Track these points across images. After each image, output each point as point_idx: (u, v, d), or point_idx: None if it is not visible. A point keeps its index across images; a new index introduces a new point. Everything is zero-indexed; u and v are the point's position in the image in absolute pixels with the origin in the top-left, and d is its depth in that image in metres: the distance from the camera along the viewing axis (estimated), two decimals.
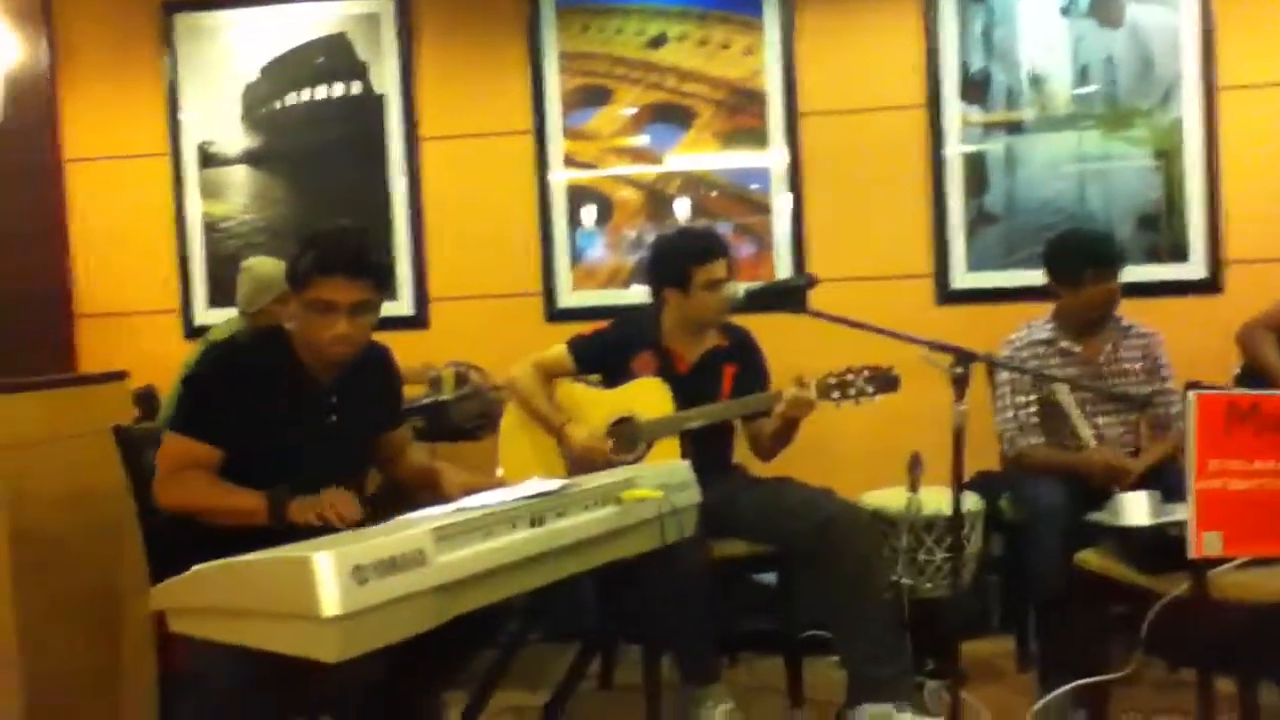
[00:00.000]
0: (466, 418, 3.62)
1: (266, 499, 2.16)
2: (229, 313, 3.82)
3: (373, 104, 4.31)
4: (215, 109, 4.39)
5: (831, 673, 3.16)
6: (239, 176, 4.40)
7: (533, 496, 1.97)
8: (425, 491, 2.54)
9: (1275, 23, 3.86)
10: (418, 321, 4.26)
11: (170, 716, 2.27)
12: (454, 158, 4.29)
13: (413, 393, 3.67)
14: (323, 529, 2.03)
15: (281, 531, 2.02)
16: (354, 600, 1.57)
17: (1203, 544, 2.21)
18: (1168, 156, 3.93)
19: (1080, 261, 3.24)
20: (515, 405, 3.31)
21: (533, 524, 1.93)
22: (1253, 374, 3.27)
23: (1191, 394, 2.22)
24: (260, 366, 2.32)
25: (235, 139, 4.39)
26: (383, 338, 2.56)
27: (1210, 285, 3.88)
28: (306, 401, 2.36)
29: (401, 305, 4.24)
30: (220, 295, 4.30)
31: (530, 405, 3.25)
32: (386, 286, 2.40)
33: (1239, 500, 2.21)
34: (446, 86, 4.29)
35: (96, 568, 2.66)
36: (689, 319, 3.21)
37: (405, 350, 3.71)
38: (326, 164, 4.33)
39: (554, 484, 2.05)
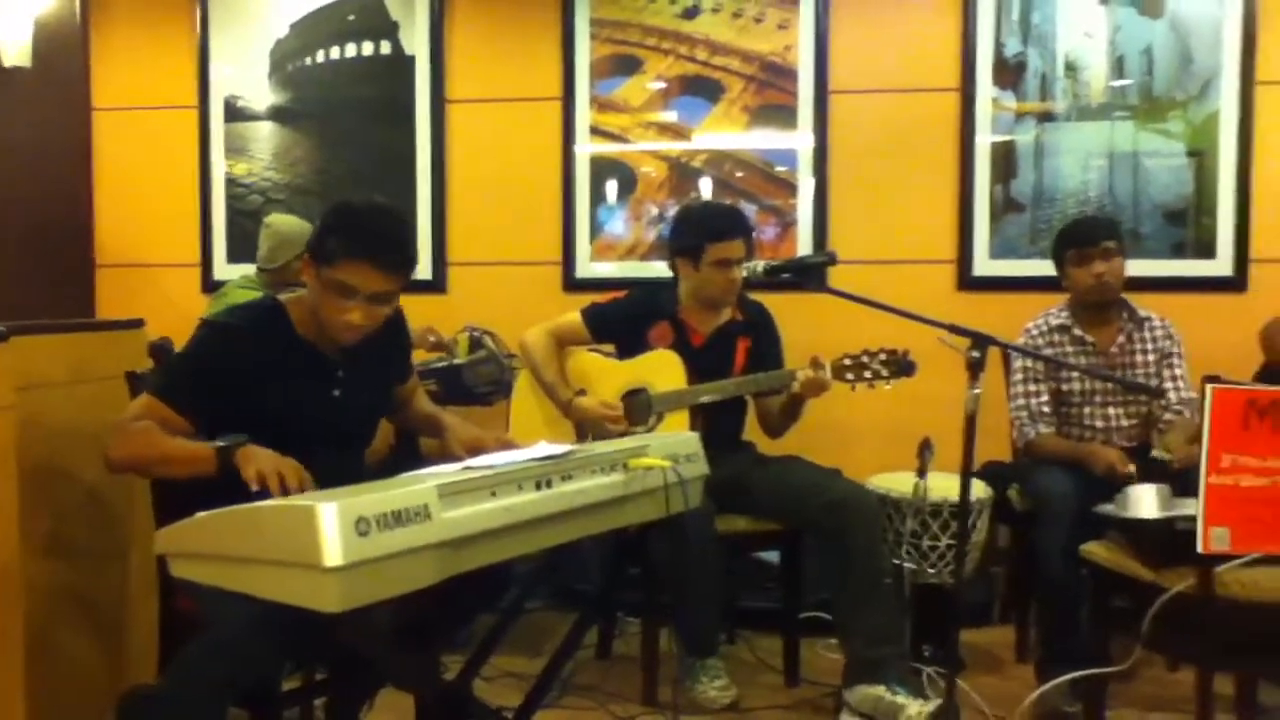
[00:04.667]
0: (480, 382, 3.62)
1: (215, 448, 2.03)
2: (248, 268, 3.83)
3: (402, 64, 4.30)
4: (244, 63, 4.40)
5: (828, 654, 3.17)
6: (264, 132, 4.40)
7: (540, 459, 1.96)
8: (433, 446, 2.54)
9: None
10: (436, 286, 4.26)
11: (170, 659, 2.28)
12: (481, 122, 4.28)
13: (424, 356, 3.69)
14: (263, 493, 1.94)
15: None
16: (355, 551, 1.58)
17: (1211, 540, 2.20)
18: (1201, 151, 3.88)
19: (1062, 244, 3.26)
20: (527, 371, 3.32)
21: (539, 486, 1.92)
22: (1274, 372, 3.24)
23: (1209, 387, 2.20)
24: (257, 350, 2.19)
25: (262, 94, 4.39)
26: (400, 301, 2.54)
27: (1236, 283, 3.84)
28: (310, 378, 2.26)
29: (421, 269, 4.23)
30: (240, 250, 4.32)
31: (539, 373, 3.26)
32: (412, 276, 2.29)
33: (1250, 497, 2.20)
34: (476, 49, 4.27)
35: (105, 508, 2.68)
36: (698, 293, 3.20)
37: (423, 313, 3.76)
38: (352, 123, 4.32)
39: (562, 448, 2.04)
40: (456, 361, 3.65)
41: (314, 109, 4.36)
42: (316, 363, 2.27)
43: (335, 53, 4.36)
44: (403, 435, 3.07)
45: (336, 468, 2.01)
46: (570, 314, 3.31)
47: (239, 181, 4.42)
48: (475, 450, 2.21)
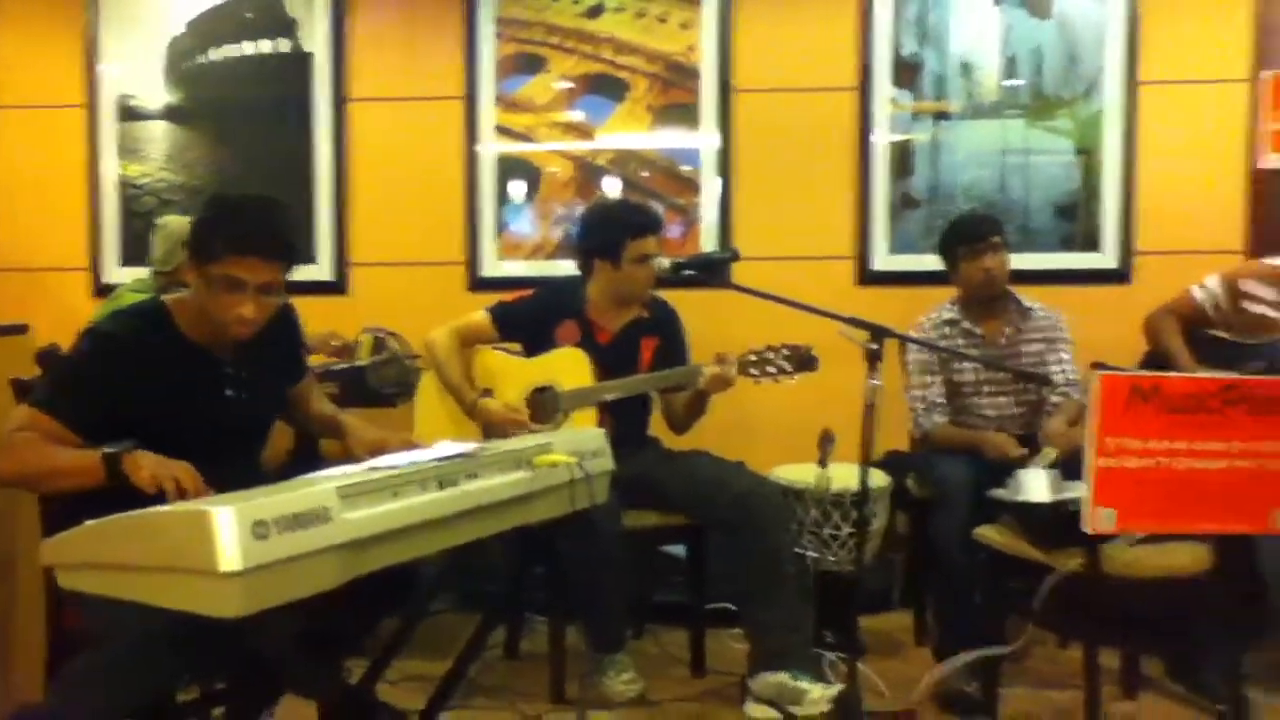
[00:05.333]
0: (383, 383, 3.59)
1: (102, 455, 1.96)
2: (141, 272, 3.73)
3: (301, 63, 4.23)
4: (138, 62, 4.28)
5: (734, 644, 3.21)
6: (158, 132, 4.29)
7: (443, 458, 1.96)
8: (334, 449, 2.51)
9: (1196, 19, 3.96)
10: (337, 287, 4.21)
11: (59, 676, 2.20)
12: (382, 121, 4.23)
13: (326, 359, 3.64)
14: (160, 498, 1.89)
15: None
16: (254, 556, 1.55)
17: (1097, 520, 2.28)
18: (1088, 148, 4.02)
19: (952, 240, 3.36)
20: (433, 372, 3.30)
21: (442, 486, 1.92)
22: (1157, 360, 3.38)
23: (1095, 374, 2.28)
24: (142, 354, 2.14)
25: (157, 93, 4.29)
26: (300, 303, 2.51)
27: (1121, 275, 4.00)
28: (200, 379, 2.21)
29: (321, 270, 4.19)
30: (134, 253, 4.21)
31: (444, 373, 3.25)
32: (297, 264, 2.27)
33: (1135, 478, 2.28)
34: (377, 48, 4.23)
35: None
36: (615, 291, 3.22)
37: (324, 315, 3.72)
38: (250, 122, 4.24)
39: (465, 446, 2.04)
40: (359, 363, 3.61)
41: (210, 108, 4.27)
42: (206, 363, 2.23)
43: (232, 51, 4.28)
44: (302, 438, 3.03)
45: (232, 471, 1.98)
46: (477, 313, 3.30)
47: (133, 183, 4.31)
48: (377, 451, 2.19)
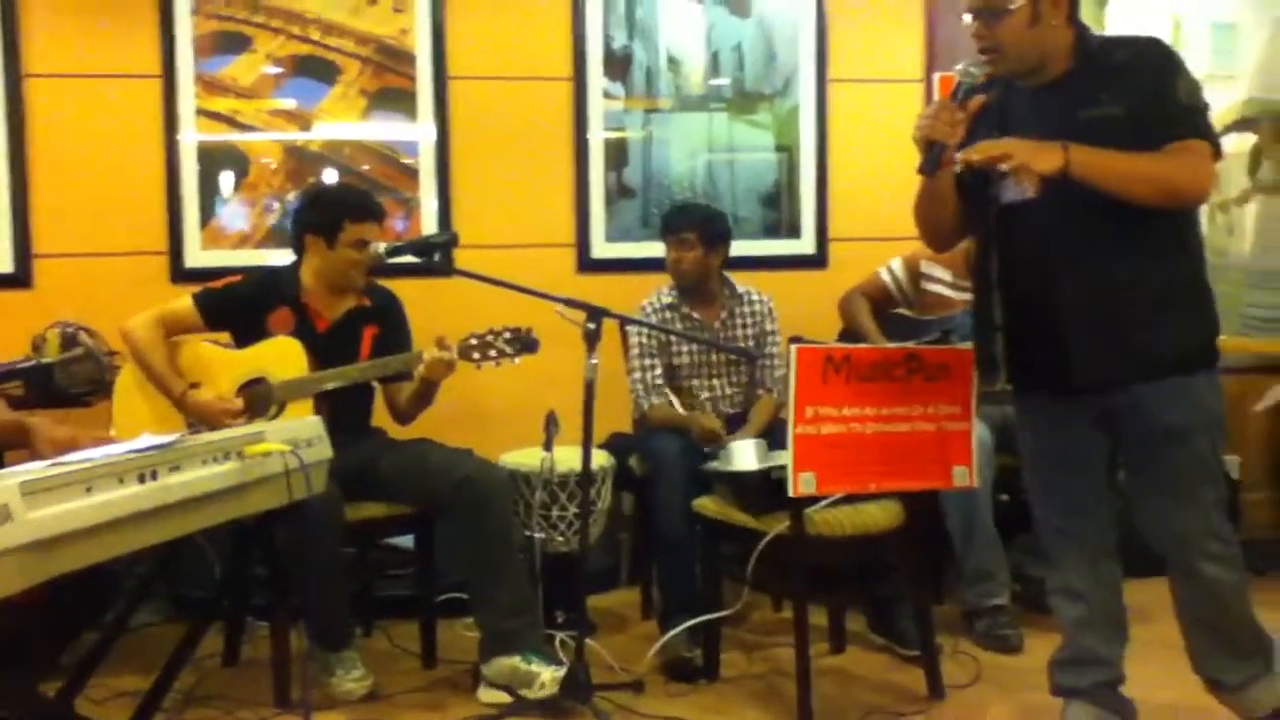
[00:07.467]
0: (75, 382, 3.32)
1: None
2: None
3: None
4: None
5: (466, 633, 3.21)
6: None
7: (143, 450, 1.85)
8: (22, 457, 2.31)
9: (877, 23, 4.28)
10: (18, 280, 3.83)
11: None
12: (67, 100, 3.88)
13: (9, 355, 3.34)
14: None
15: None
16: None
17: (800, 484, 2.45)
18: (786, 141, 4.27)
19: (661, 228, 3.62)
20: (132, 363, 3.09)
21: (142, 479, 1.81)
22: (850, 338, 3.66)
23: (793, 346, 2.45)
24: None
25: None
26: None
27: (818, 260, 4.28)
28: None
29: None
30: None
31: (147, 364, 3.05)
32: None
33: (831, 443, 2.47)
34: (59, 20, 3.87)
35: None
36: (329, 275, 3.13)
37: (3, 312, 3.40)
38: None
39: (167, 438, 1.93)
40: (46, 360, 3.32)
41: None
42: None
43: None
44: None
45: None
46: (181, 299, 3.13)
47: None
48: (67, 449, 2.03)
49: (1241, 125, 4.36)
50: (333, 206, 3.13)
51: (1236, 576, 2.33)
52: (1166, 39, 2.32)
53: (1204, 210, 3.27)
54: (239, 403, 3.01)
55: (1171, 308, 2.28)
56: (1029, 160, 2.14)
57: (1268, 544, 3.98)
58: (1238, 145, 4.34)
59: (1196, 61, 2.48)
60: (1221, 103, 4.17)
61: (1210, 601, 2.34)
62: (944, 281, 3.63)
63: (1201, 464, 2.30)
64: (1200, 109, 2.24)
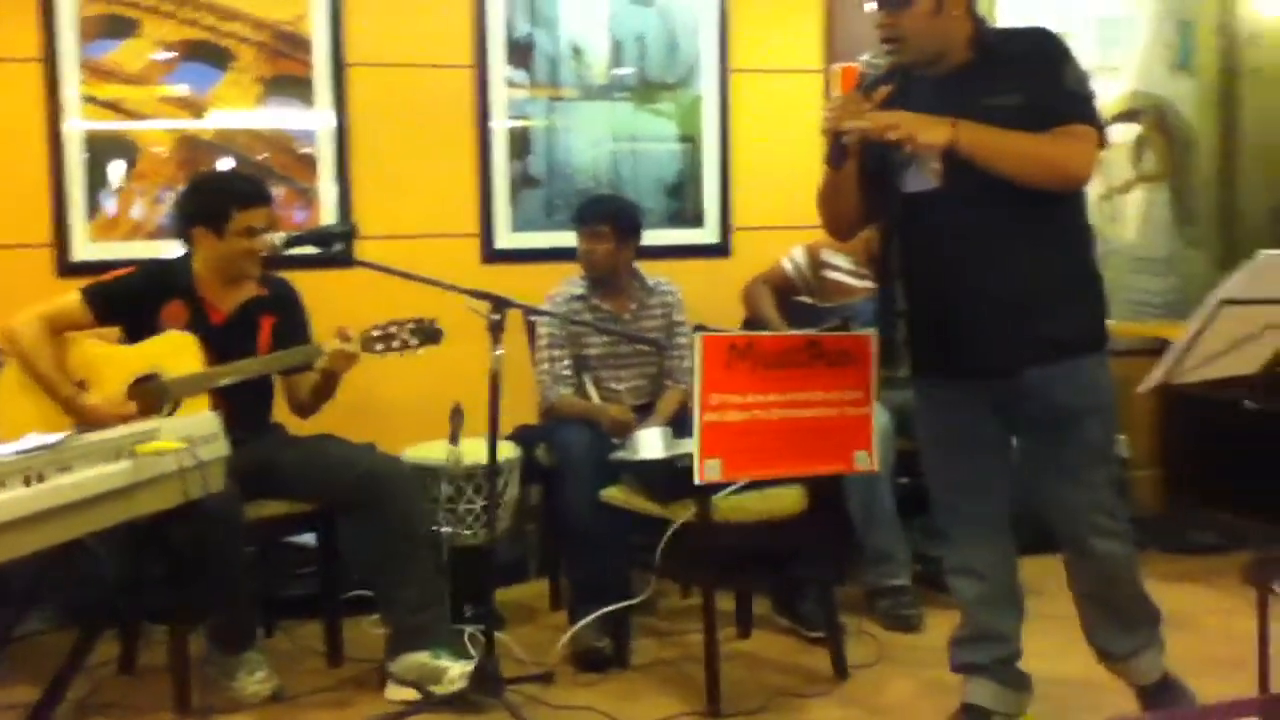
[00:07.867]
0: None
1: None
2: None
3: None
4: None
5: (372, 631, 3.17)
6: None
7: (27, 451, 1.78)
8: None
9: (777, 13, 4.32)
10: None
11: None
12: None
13: None
14: None
15: None
16: None
17: (705, 470, 2.47)
18: (689, 130, 4.29)
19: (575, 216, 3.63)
20: (16, 364, 2.96)
21: (28, 482, 1.76)
22: (754, 325, 3.70)
23: (698, 335, 2.46)
24: None
25: None
26: None
27: (721, 249, 4.32)
28: None
29: None
30: None
31: (34, 367, 2.93)
32: None
33: (736, 430, 2.50)
34: None
35: None
36: (221, 266, 3.05)
37: None
38: None
39: (53, 438, 1.87)
40: None
41: None
42: None
43: None
44: None
45: None
46: (68, 295, 3.01)
47: None
48: None
49: (1126, 116, 4.52)
50: (218, 195, 3.04)
51: (1127, 551, 2.42)
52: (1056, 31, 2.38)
53: (1091, 199, 3.38)
54: (132, 406, 2.90)
55: (1067, 294, 2.35)
56: (916, 131, 2.19)
57: (1154, 520, 4.15)
58: (1122, 136, 4.50)
59: (1083, 54, 2.55)
60: (1107, 94, 4.33)
61: (1102, 576, 2.43)
62: (845, 270, 3.69)
63: (1094, 445, 2.38)
64: (1087, 96, 2.32)
